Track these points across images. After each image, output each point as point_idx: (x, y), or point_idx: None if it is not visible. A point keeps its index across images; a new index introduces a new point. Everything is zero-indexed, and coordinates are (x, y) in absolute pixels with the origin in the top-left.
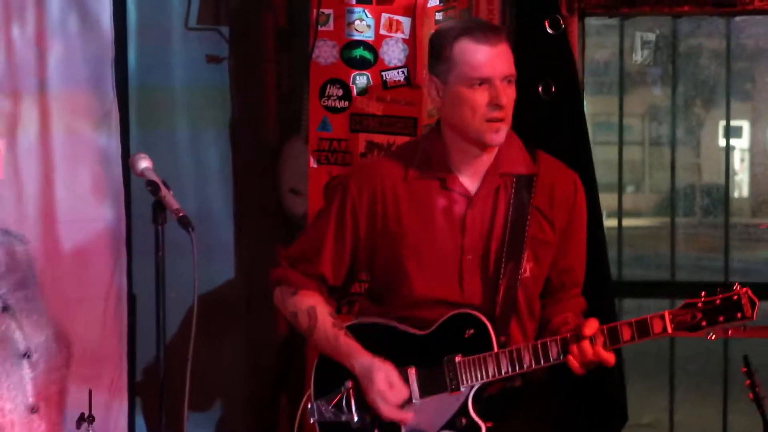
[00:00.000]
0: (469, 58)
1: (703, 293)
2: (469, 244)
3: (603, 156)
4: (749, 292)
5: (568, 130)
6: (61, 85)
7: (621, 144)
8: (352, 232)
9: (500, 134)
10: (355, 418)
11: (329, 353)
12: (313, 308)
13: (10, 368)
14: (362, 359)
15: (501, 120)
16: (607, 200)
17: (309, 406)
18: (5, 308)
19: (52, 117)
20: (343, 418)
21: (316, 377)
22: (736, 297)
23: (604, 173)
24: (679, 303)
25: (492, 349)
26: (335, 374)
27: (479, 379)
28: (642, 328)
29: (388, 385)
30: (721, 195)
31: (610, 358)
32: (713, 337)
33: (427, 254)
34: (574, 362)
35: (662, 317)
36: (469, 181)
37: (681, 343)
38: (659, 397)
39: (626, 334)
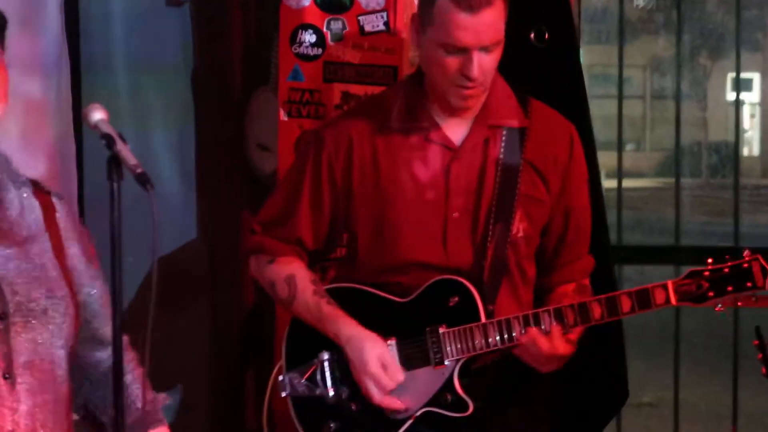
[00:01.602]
0: (447, 22)
1: (709, 260)
2: (454, 201)
3: (601, 111)
4: (761, 259)
5: (563, 83)
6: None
7: (621, 98)
8: (330, 190)
9: (470, 101)
10: (331, 393)
11: (312, 323)
12: (292, 276)
13: None
14: (348, 329)
15: (471, 89)
16: (605, 159)
17: (280, 378)
18: None
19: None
20: (318, 392)
21: (287, 347)
22: (746, 265)
23: (602, 130)
24: (684, 270)
25: (479, 319)
26: (309, 344)
27: (465, 351)
28: (643, 299)
29: (382, 367)
30: (730, 153)
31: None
32: (721, 309)
33: (408, 212)
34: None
35: (665, 287)
36: (453, 133)
37: (686, 314)
38: (662, 373)
39: (626, 305)
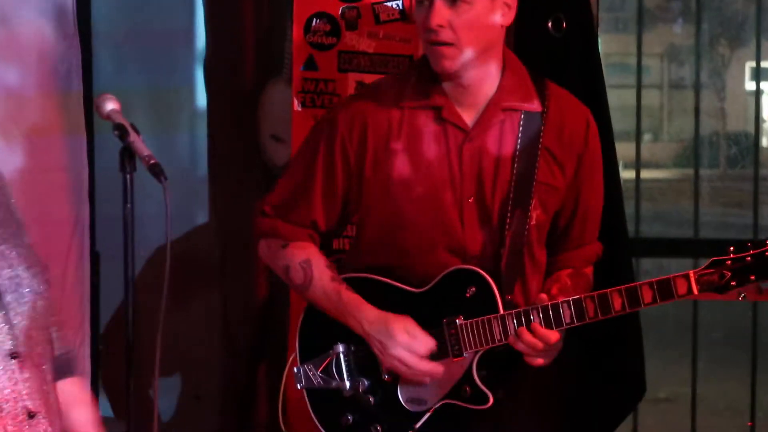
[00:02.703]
0: None
1: (731, 249)
2: (468, 185)
3: (618, 101)
4: None
5: (580, 72)
6: (17, 18)
7: (639, 87)
8: (344, 170)
9: (449, 61)
10: (347, 385)
11: (328, 310)
12: (307, 261)
13: None
14: (370, 315)
15: (443, 44)
16: (622, 149)
17: (295, 370)
18: None
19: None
20: (334, 385)
21: (301, 339)
22: None
23: (619, 119)
24: (704, 263)
25: (497, 310)
26: (323, 335)
27: (484, 344)
28: (664, 290)
29: (410, 336)
30: (749, 144)
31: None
32: (745, 299)
33: (422, 195)
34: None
35: (686, 277)
36: (466, 114)
37: (703, 308)
38: (679, 368)
39: (647, 295)
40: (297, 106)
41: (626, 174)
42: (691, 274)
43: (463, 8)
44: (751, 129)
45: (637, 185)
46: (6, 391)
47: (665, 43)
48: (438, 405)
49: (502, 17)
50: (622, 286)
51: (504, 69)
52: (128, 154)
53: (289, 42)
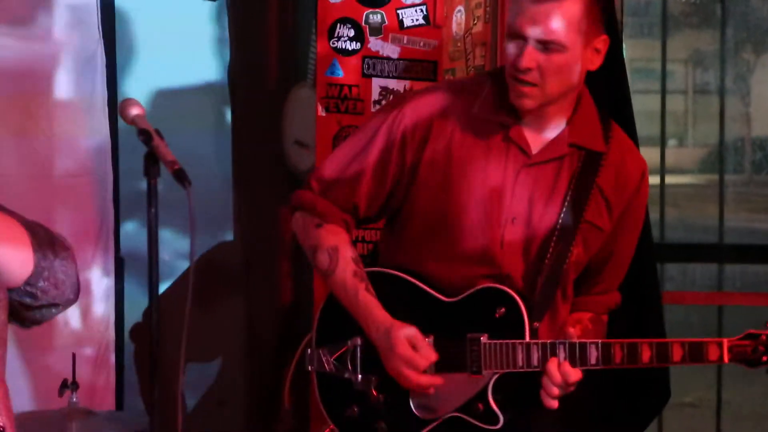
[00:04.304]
0: (514, 7)
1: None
2: (516, 207)
3: (643, 106)
4: None
5: (605, 77)
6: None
7: (663, 92)
8: (398, 162)
9: (529, 101)
10: (359, 378)
11: (345, 304)
12: (335, 249)
13: None
14: (378, 321)
15: (527, 84)
16: (647, 155)
17: (308, 351)
18: None
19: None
20: (346, 375)
21: (320, 320)
22: None
23: (644, 125)
24: (728, 268)
25: (522, 336)
26: (343, 322)
27: (505, 366)
28: (695, 352)
29: (411, 348)
30: None
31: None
32: None
33: (470, 207)
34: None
35: (720, 345)
36: (532, 138)
37: (729, 312)
38: (704, 372)
39: (677, 354)
40: (321, 111)
41: (651, 179)
42: (725, 343)
43: (555, 54)
44: None
45: (662, 191)
46: None
47: (690, 48)
48: (447, 416)
49: (591, 62)
50: (654, 340)
51: (577, 105)
52: (152, 159)
53: (313, 47)
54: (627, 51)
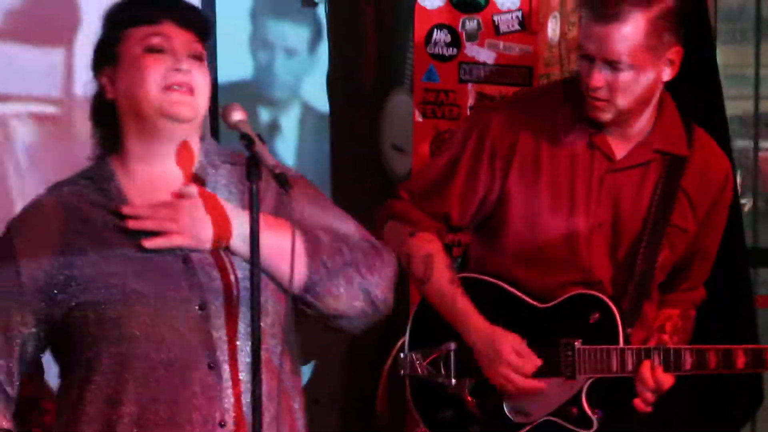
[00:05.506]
0: (583, 29)
1: None
2: (602, 213)
3: (736, 112)
4: None
5: (699, 83)
6: None
7: (757, 98)
8: (489, 171)
9: (603, 114)
10: (453, 382)
11: (441, 311)
12: (430, 257)
13: None
14: (479, 327)
15: (598, 100)
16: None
17: (401, 356)
18: None
19: None
20: (439, 379)
21: (413, 325)
22: None
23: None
24: None
25: (616, 341)
26: (435, 327)
27: (599, 372)
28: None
29: (517, 354)
30: None
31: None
32: None
33: (558, 213)
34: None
35: None
36: (616, 144)
37: None
38: None
39: (740, 361)
40: (418, 116)
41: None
42: None
43: (624, 72)
44: None
45: (755, 194)
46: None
47: None
48: (541, 420)
49: (665, 74)
50: (749, 346)
51: (660, 111)
52: (254, 163)
53: (410, 53)
54: (720, 57)
